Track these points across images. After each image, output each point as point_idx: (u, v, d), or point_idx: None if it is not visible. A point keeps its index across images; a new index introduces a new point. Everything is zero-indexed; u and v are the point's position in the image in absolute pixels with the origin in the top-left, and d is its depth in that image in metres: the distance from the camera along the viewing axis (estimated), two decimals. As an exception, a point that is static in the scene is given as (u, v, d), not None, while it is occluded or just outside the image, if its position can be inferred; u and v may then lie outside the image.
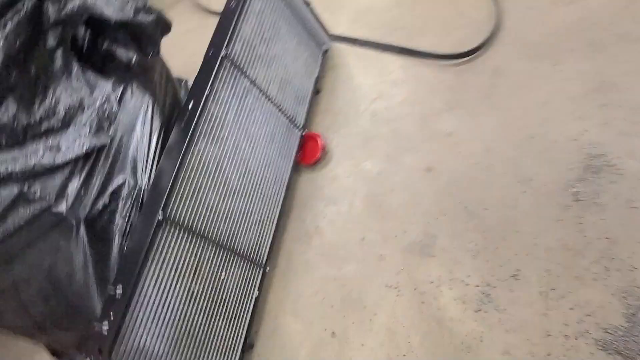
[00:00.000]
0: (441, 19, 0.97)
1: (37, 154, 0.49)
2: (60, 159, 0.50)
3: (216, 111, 0.64)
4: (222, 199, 0.63)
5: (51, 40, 0.51)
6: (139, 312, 0.52)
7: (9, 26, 0.44)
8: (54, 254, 0.53)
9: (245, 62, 0.70)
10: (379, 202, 0.89)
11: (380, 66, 0.97)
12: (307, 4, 0.88)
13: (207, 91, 0.62)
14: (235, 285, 0.70)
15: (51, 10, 0.51)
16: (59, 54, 0.52)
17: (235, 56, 0.68)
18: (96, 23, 0.62)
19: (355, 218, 0.87)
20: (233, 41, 0.67)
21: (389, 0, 1.07)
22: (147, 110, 0.62)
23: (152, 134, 0.61)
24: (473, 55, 0.93)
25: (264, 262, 0.75)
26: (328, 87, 0.96)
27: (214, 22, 0.78)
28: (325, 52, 0.98)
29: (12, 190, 0.47)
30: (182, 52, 1.03)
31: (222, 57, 0.65)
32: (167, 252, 0.56)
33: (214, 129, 0.63)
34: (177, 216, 0.55)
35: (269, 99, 0.75)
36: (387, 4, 1.07)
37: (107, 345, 0.50)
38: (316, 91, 0.92)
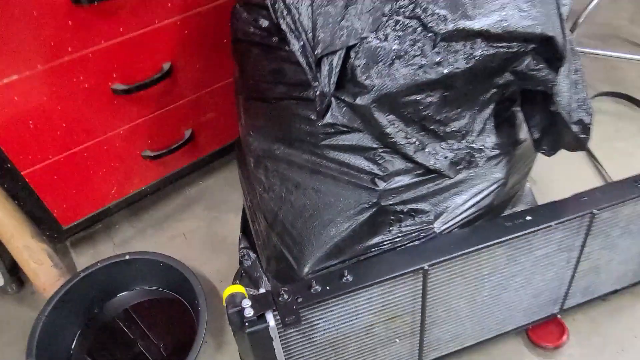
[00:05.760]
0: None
1: (414, 139, 0.69)
2: (418, 156, 0.69)
3: (535, 241, 0.73)
4: (466, 295, 0.75)
5: (500, 79, 0.70)
6: (338, 308, 0.65)
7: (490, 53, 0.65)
8: (341, 199, 0.72)
9: (596, 229, 0.77)
10: None
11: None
12: None
13: (550, 223, 0.71)
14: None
15: (524, 65, 0.68)
16: (493, 93, 0.72)
17: (597, 219, 0.75)
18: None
19: None
20: (608, 209, 0.75)
21: None
22: (491, 186, 0.76)
23: (475, 205, 0.76)
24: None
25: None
26: (616, 304, 0.94)
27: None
28: None
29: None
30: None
31: (590, 212, 0.73)
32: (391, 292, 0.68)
33: (520, 250, 0.73)
34: (433, 274, 0.68)
35: (574, 270, 0.82)
36: None
37: (307, 302, 0.62)
38: (604, 297, 0.92)
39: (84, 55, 0.75)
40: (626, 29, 1.69)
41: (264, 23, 0.74)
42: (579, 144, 0.74)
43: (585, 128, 0.72)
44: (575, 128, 0.72)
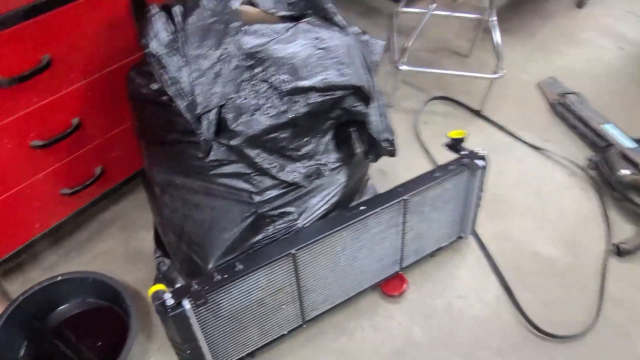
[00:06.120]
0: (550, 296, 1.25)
1: (276, 163, 0.96)
2: (280, 174, 0.94)
3: (370, 223, 1.05)
4: (328, 267, 1.05)
5: (333, 114, 1.00)
6: (236, 289, 0.92)
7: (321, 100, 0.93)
8: (229, 213, 0.97)
9: (411, 209, 1.10)
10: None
11: (483, 283, 1.28)
12: (478, 204, 1.25)
13: (376, 209, 1.03)
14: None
15: (347, 104, 0.98)
16: (330, 124, 1.01)
17: (409, 202, 1.08)
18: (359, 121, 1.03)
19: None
20: (416, 195, 1.08)
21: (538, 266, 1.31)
22: (337, 188, 1.04)
23: (327, 202, 1.04)
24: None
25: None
26: (441, 259, 1.32)
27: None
28: (460, 238, 1.33)
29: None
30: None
31: (403, 199, 1.06)
32: (273, 272, 0.96)
33: (360, 231, 1.04)
34: (300, 256, 0.97)
35: (402, 239, 1.15)
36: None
37: (212, 288, 0.89)
38: (431, 255, 1.29)
39: (5, 123, 0.93)
40: (453, 42, 2.13)
41: (155, 86, 0.98)
42: (390, 153, 1.08)
43: (391, 143, 1.06)
44: (384, 144, 1.05)
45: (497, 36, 1.62)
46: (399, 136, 1.67)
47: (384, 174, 1.53)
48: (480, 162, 1.18)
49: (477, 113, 1.77)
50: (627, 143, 1.58)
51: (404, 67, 1.65)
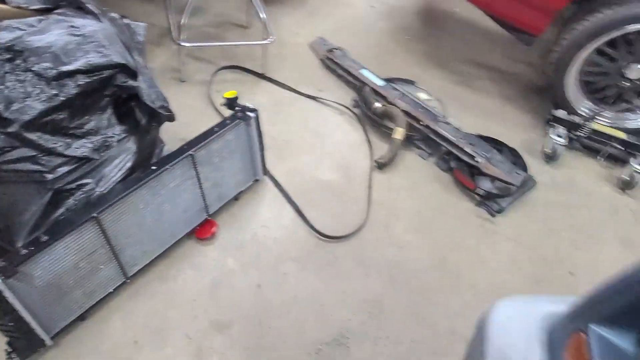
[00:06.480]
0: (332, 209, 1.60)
1: (61, 142, 1.04)
2: (68, 151, 1.03)
3: (164, 179, 1.20)
4: (136, 224, 1.19)
5: (108, 92, 1.10)
6: (45, 258, 1.03)
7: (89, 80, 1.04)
8: (25, 195, 1.05)
9: (201, 162, 1.26)
10: (215, 292, 1.34)
11: (280, 212, 1.56)
12: (262, 149, 1.46)
13: (166, 167, 1.18)
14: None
15: (118, 81, 1.10)
16: (107, 100, 1.10)
17: (197, 156, 1.25)
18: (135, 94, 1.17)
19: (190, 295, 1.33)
20: (200, 149, 1.25)
21: (320, 184, 1.67)
22: (128, 155, 1.16)
23: (121, 169, 1.15)
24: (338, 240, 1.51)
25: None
26: (244, 200, 1.53)
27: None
28: (256, 180, 1.54)
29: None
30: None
31: (189, 154, 1.23)
32: (80, 238, 1.08)
33: (157, 188, 1.19)
34: (104, 218, 1.09)
35: (201, 189, 1.32)
36: (318, 186, 1.66)
37: (20, 261, 0.99)
38: (235, 199, 1.49)
39: None
40: (234, 16, 2.36)
41: None
42: (168, 118, 1.26)
43: (167, 109, 1.24)
44: (160, 110, 1.23)
45: (260, 9, 1.88)
46: (196, 107, 1.90)
47: (185, 140, 1.71)
48: (251, 114, 1.43)
49: (262, 76, 2.04)
50: (378, 82, 2.01)
51: (185, 44, 1.83)
